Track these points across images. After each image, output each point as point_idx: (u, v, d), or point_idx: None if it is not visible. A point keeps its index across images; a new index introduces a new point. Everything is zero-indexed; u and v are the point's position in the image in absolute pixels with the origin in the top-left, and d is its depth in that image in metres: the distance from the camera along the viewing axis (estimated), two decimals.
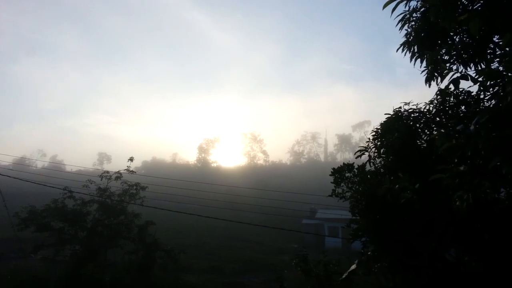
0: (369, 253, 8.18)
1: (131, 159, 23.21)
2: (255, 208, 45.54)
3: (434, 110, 7.66)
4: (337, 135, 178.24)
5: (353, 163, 8.64)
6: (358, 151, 8.19)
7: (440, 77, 6.72)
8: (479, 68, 6.52)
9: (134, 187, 23.08)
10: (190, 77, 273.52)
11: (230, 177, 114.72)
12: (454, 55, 6.67)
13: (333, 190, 8.47)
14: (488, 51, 6.47)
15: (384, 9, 5.81)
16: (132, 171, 23.45)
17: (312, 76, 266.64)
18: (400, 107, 8.01)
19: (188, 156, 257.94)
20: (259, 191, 63.96)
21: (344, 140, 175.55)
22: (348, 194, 8.36)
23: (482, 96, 6.94)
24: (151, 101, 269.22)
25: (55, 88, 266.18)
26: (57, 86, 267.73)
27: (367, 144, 8.19)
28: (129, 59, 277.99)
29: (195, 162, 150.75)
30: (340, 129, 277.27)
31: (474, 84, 5.61)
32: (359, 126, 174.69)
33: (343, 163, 8.60)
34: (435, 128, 7.55)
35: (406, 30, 7.53)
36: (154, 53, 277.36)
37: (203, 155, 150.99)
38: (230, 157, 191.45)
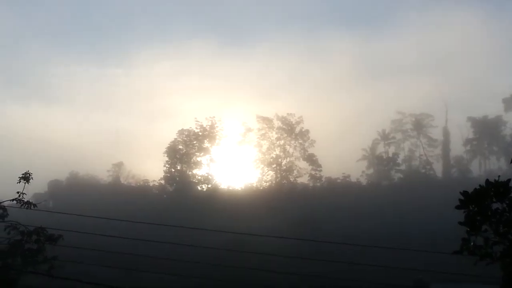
0: None
1: (24, 178, 14.51)
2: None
3: None
4: (469, 119, 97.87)
5: (509, 180, 5.35)
6: None
7: None
8: None
9: (34, 236, 14.24)
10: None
11: (240, 214, 62.12)
12: None
13: (465, 241, 5.01)
14: None
15: None
16: (28, 202, 14.43)
17: None
18: None
19: (148, 169, 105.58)
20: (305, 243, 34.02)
21: (486, 129, 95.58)
22: (497, 248, 5.04)
23: None
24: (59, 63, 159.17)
25: None
26: None
27: None
28: None
29: (161, 181, 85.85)
30: (477, 105, 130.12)
31: None
32: None
33: (487, 182, 5.36)
34: None
35: None
36: None
37: (178, 166, 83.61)
38: (230, 167, 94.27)
